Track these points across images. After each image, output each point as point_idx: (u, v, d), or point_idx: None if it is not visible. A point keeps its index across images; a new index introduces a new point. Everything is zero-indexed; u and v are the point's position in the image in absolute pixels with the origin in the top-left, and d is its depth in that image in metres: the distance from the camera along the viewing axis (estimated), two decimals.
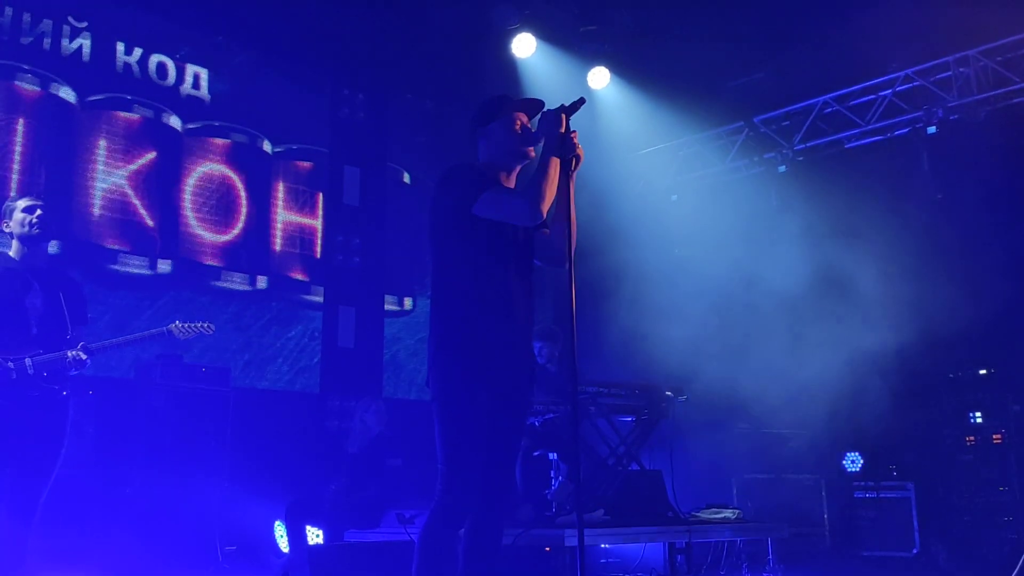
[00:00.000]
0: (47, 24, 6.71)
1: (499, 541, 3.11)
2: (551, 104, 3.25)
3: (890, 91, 7.98)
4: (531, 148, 3.25)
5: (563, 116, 3.13)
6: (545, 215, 3.08)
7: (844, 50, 7.46)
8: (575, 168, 3.15)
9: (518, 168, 3.32)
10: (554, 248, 3.28)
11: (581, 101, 3.16)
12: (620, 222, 9.33)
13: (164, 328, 4.14)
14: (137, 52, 7.16)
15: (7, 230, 3.95)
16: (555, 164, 3.09)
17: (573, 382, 2.93)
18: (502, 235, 3.14)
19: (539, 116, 3.22)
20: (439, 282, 3.16)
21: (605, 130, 8.96)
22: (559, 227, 3.24)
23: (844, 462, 7.52)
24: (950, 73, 7.61)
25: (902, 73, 7.87)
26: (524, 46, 7.80)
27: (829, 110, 8.38)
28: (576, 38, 8.00)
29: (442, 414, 3.01)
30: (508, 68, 7.87)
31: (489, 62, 7.88)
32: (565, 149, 3.10)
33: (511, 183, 3.31)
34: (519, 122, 3.27)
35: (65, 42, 6.78)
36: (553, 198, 3.11)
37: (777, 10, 7.19)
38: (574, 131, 3.13)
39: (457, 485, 2.95)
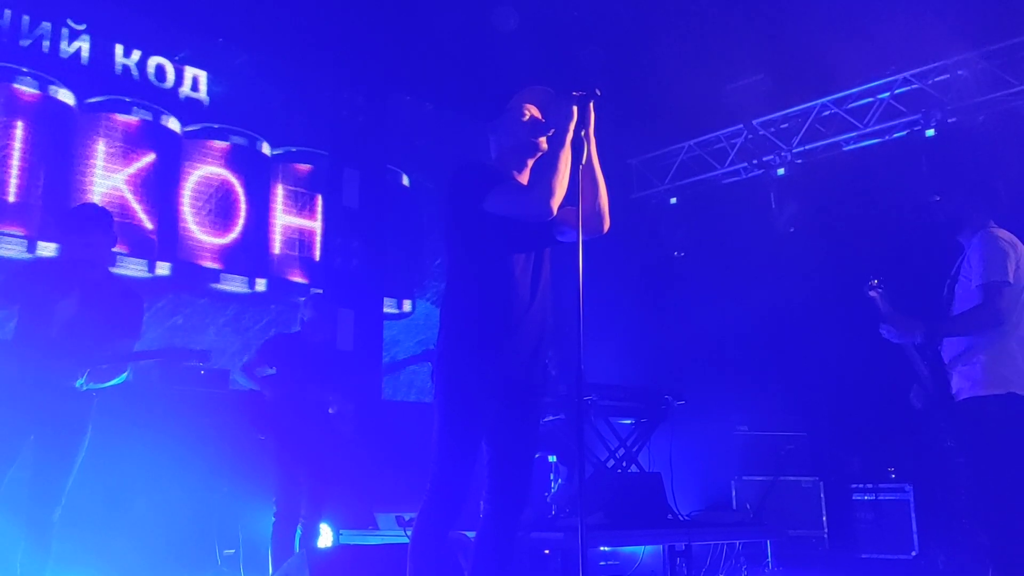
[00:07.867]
0: (46, 26, 6.70)
1: (512, 547, 3.06)
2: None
3: (888, 94, 7.98)
4: (542, 139, 3.10)
5: (575, 108, 2.93)
6: (555, 210, 2.95)
7: (842, 52, 7.46)
8: (584, 161, 2.95)
9: (530, 162, 3.19)
10: (587, 214, 3.01)
11: (595, 90, 2.97)
12: (619, 227, 9.32)
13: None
14: (136, 54, 7.16)
15: None
16: (565, 156, 2.95)
17: (579, 372, 2.88)
18: (515, 233, 3.04)
19: (550, 106, 3.08)
20: (451, 282, 3.11)
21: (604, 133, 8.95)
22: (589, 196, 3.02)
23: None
24: (948, 76, 7.61)
25: (900, 76, 7.87)
26: None
27: (827, 113, 8.39)
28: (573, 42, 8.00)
29: (441, 413, 2.96)
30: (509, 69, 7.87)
31: (490, 63, 7.87)
32: (577, 143, 2.94)
33: (524, 179, 3.20)
34: (528, 113, 3.14)
35: (64, 44, 6.77)
36: (564, 193, 2.96)
37: (775, 12, 7.19)
38: (585, 127, 2.94)
39: (446, 485, 2.91)
